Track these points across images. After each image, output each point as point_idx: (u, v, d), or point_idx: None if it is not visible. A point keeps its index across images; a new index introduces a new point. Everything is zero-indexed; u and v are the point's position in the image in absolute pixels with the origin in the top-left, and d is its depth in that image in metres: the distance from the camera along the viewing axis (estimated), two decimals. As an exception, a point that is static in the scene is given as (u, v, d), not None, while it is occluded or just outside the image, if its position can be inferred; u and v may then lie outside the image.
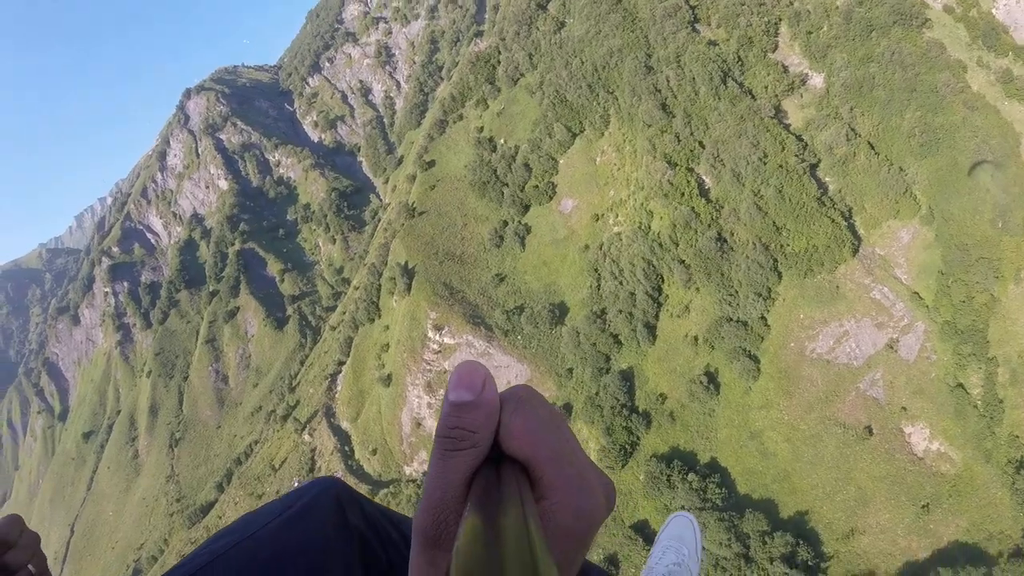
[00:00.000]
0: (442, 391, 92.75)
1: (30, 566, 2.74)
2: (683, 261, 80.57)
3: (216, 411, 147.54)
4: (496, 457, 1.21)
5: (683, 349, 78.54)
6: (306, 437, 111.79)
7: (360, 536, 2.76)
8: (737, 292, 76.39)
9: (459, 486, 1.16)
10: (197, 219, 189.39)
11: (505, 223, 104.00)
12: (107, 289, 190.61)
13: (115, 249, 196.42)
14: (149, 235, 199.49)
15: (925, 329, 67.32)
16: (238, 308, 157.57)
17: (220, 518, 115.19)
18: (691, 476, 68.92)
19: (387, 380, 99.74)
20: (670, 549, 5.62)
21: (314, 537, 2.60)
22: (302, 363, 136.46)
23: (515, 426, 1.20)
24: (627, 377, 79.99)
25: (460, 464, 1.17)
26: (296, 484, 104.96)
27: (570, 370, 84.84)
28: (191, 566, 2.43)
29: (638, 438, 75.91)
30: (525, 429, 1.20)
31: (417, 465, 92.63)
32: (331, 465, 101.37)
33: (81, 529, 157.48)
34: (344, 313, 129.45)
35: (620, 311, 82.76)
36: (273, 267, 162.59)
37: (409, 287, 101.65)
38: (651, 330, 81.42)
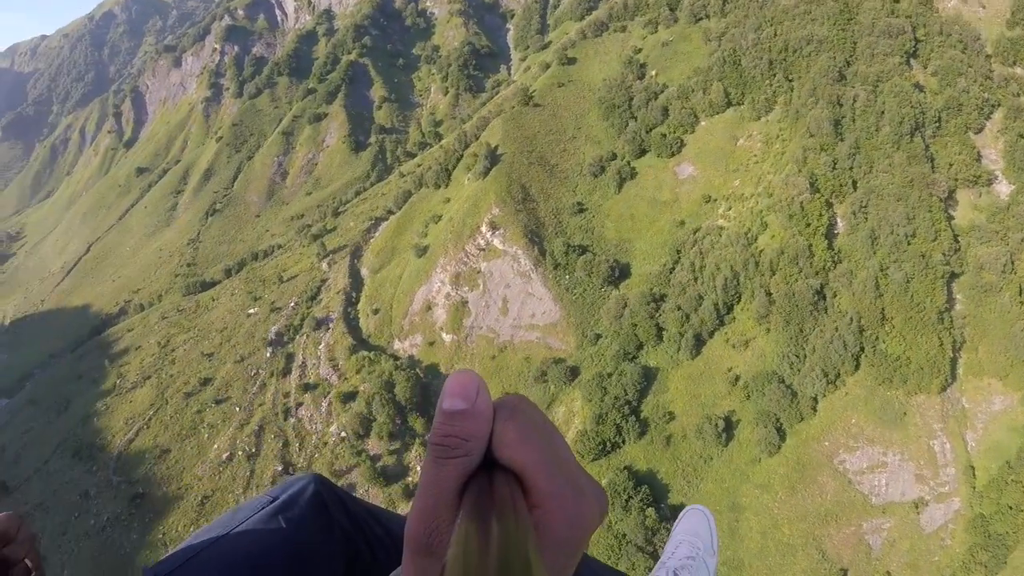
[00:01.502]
0: (466, 288, 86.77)
1: (27, 560, 2.73)
2: (770, 294, 71.00)
3: (262, 200, 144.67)
4: (489, 465, 1.21)
5: (718, 382, 69.94)
6: (324, 266, 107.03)
7: (343, 531, 2.83)
8: (805, 357, 66.94)
9: (451, 494, 1.16)
10: (328, 15, 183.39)
11: (614, 156, 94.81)
12: (217, 46, 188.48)
13: (240, 12, 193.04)
14: (278, 12, 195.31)
15: (958, 510, 58.57)
16: (326, 115, 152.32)
17: (213, 300, 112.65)
18: (649, 512, 61.12)
19: (422, 251, 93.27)
20: (684, 543, 5.19)
21: (296, 532, 2.69)
22: (358, 194, 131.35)
23: (508, 434, 1.19)
24: (648, 376, 71.80)
25: (453, 472, 1.16)
26: (292, 305, 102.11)
27: (598, 336, 77.05)
28: (170, 563, 2.49)
29: (623, 441, 68.24)
30: (518, 437, 1.19)
31: (408, 345, 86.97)
32: (332, 304, 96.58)
33: (96, 251, 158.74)
34: (419, 166, 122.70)
35: (679, 308, 73.71)
36: (377, 91, 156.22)
37: (487, 173, 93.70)
38: (699, 344, 72.62)
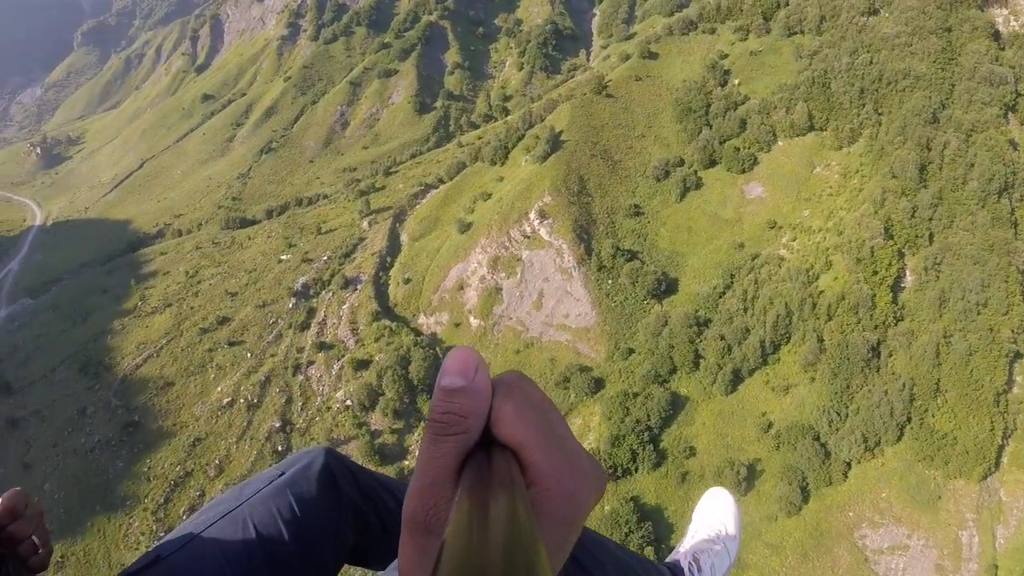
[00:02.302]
0: (503, 274, 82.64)
1: (34, 537, 2.78)
2: (822, 340, 65.70)
3: (318, 147, 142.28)
4: (487, 443, 1.20)
5: (749, 425, 64.95)
6: (364, 224, 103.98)
7: (352, 504, 2.97)
8: (847, 417, 61.69)
9: (450, 471, 1.15)
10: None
11: (681, 162, 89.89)
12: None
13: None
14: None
15: (972, 609, 53.31)
16: (396, 72, 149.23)
17: (249, 239, 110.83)
18: (648, 551, 56.36)
19: (465, 227, 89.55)
20: (704, 526, 5.21)
21: (304, 507, 2.80)
22: (413, 156, 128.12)
23: (506, 412, 1.19)
24: (676, 405, 67.03)
25: (451, 449, 1.16)
26: (325, 258, 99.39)
27: (631, 351, 72.40)
28: (179, 541, 2.65)
29: (636, 469, 63.69)
30: (516, 415, 1.19)
31: (432, 322, 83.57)
32: (365, 265, 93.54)
33: (148, 169, 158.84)
34: (480, 139, 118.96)
35: (722, 337, 68.75)
36: (451, 56, 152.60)
37: (546, 157, 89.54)
38: (736, 380, 67.55)
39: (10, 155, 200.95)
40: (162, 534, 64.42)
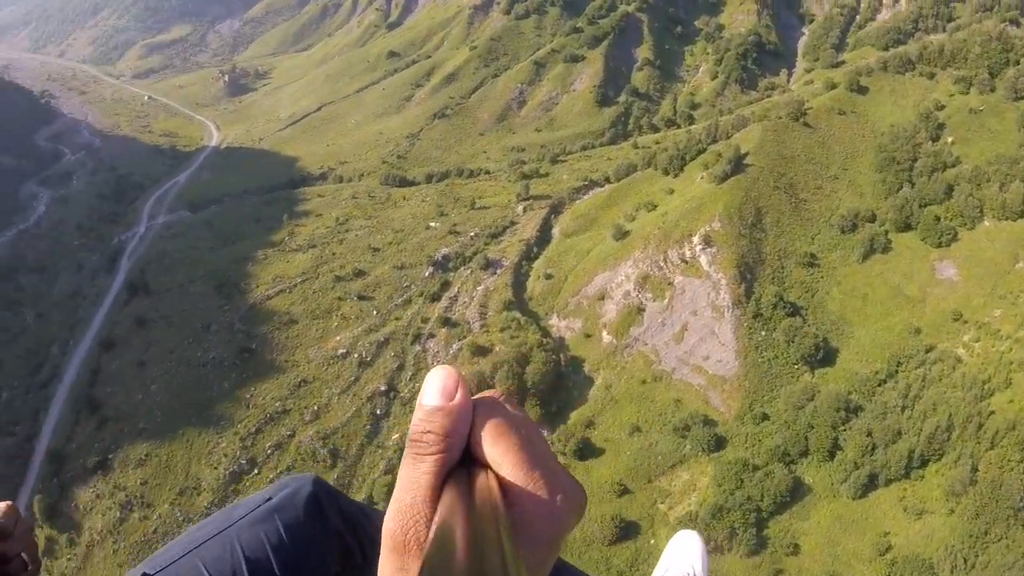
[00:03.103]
0: (649, 295, 77.23)
1: (23, 554, 2.76)
2: (976, 469, 55.13)
3: (491, 122, 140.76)
4: (468, 462, 1.21)
5: (867, 541, 55.17)
6: (519, 208, 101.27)
7: (337, 533, 2.91)
8: (973, 566, 51.22)
9: (429, 490, 1.16)
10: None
11: (873, 218, 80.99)
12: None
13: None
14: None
15: None
16: (583, 58, 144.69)
17: (404, 199, 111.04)
18: None
19: (622, 235, 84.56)
20: (674, 567, 5.55)
21: (291, 531, 2.76)
22: (584, 149, 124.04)
23: (486, 432, 1.20)
24: (796, 493, 58.52)
25: (431, 468, 1.16)
26: (472, 234, 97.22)
27: (765, 416, 64.30)
28: (165, 559, 2.60)
29: (728, 550, 55.79)
30: (496, 435, 1.20)
31: (564, 326, 79.32)
32: (509, 250, 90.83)
33: (324, 113, 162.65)
34: (657, 143, 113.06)
35: (869, 433, 59.51)
36: (643, 52, 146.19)
37: (724, 178, 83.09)
38: (869, 486, 57.97)
39: (200, 78, 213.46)
40: (237, 463, 65.56)
